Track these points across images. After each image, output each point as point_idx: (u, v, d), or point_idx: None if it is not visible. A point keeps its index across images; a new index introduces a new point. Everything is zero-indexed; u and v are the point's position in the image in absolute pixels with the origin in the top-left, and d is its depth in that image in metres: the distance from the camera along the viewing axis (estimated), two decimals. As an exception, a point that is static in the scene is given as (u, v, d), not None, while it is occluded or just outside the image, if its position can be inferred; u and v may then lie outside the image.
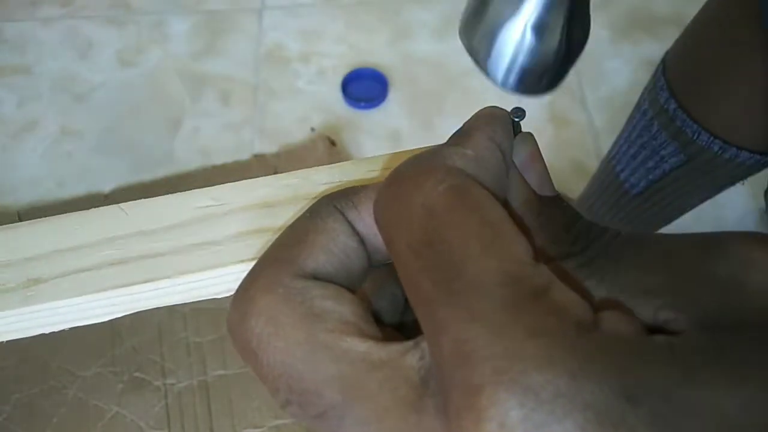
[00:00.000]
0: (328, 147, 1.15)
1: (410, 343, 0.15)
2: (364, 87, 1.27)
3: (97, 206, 0.21)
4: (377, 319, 0.18)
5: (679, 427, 0.12)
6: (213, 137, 1.22)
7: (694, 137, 0.62)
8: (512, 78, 0.17)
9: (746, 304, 0.13)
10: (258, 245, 0.20)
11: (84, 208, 0.21)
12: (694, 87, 0.62)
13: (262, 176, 0.21)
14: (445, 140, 0.18)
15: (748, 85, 0.57)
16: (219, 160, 1.16)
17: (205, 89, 1.28)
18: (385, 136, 1.22)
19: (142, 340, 0.65)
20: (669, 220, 0.82)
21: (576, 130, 1.21)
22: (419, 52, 1.33)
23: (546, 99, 1.23)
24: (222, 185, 0.21)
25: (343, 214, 0.17)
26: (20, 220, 0.21)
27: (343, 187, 0.20)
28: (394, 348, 0.15)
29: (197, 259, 0.20)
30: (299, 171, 0.21)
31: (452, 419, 0.13)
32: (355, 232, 0.17)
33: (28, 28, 1.38)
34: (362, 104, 1.25)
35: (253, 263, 0.17)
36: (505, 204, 0.18)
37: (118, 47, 1.35)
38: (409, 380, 0.14)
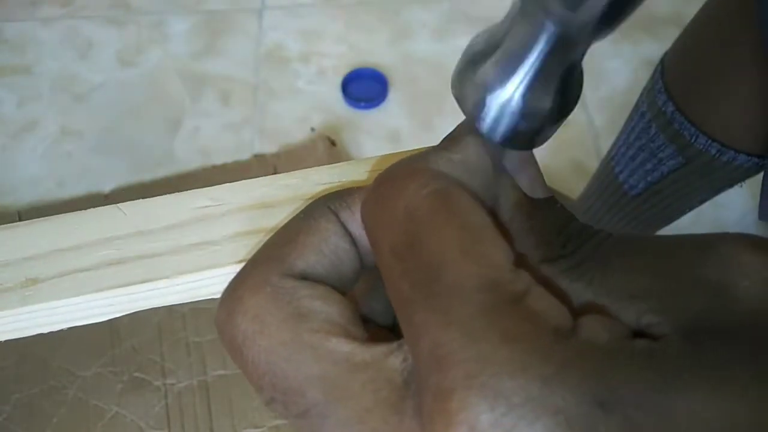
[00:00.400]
0: (328, 147, 1.15)
1: (394, 344, 0.15)
2: (364, 87, 1.27)
3: (97, 206, 0.21)
4: (370, 320, 0.18)
5: None
6: (213, 137, 1.22)
7: (692, 140, 0.62)
8: (498, 136, 0.17)
9: (732, 308, 0.13)
10: (256, 246, 0.20)
11: (84, 208, 0.21)
12: (692, 89, 0.62)
13: (261, 176, 0.21)
14: (443, 141, 0.18)
15: (745, 88, 0.57)
16: (219, 160, 1.16)
17: (205, 89, 1.28)
18: (385, 136, 1.22)
19: (142, 340, 0.65)
20: (668, 221, 0.82)
21: (576, 130, 1.21)
22: (419, 52, 1.33)
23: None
24: (220, 185, 0.21)
25: (336, 215, 0.17)
26: (20, 219, 0.21)
27: (341, 188, 0.20)
28: (379, 349, 0.15)
29: (195, 259, 0.20)
30: (298, 171, 0.21)
31: (425, 422, 0.13)
32: (348, 233, 0.17)
33: (28, 28, 1.38)
34: (362, 104, 1.25)
35: None
36: (494, 209, 0.18)
37: (118, 47, 1.35)
38: (392, 382, 0.14)
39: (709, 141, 0.61)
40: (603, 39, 0.15)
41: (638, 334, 0.14)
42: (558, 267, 0.16)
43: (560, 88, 0.16)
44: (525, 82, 0.16)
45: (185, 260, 0.20)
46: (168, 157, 1.19)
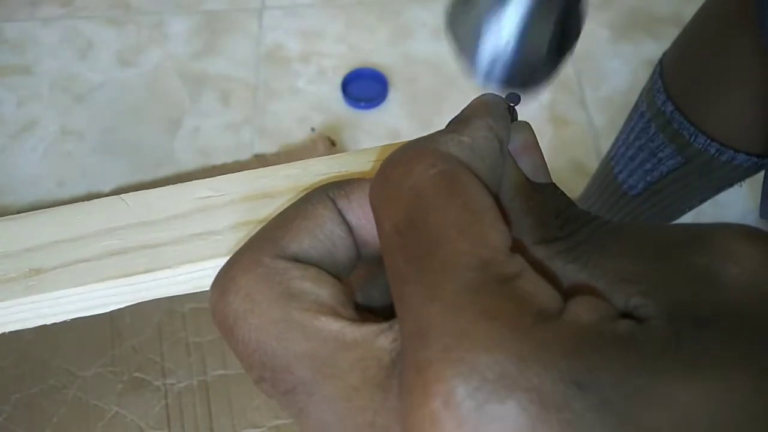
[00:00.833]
0: (328, 147, 1.15)
1: (385, 324, 0.15)
2: (364, 87, 1.27)
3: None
4: (367, 307, 0.18)
5: (628, 414, 0.12)
6: (213, 137, 1.22)
7: (691, 140, 0.63)
8: (496, 75, 0.17)
9: (719, 296, 0.13)
10: None
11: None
12: (691, 89, 0.62)
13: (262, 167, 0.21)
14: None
15: (745, 87, 0.57)
16: (219, 160, 1.17)
17: (205, 89, 1.28)
18: (385, 135, 1.22)
19: (142, 340, 0.65)
20: (668, 221, 0.82)
21: (576, 130, 1.21)
22: (419, 52, 1.33)
23: (546, 99, 1.23)
24: (222, 176, 0.21)
25: (333, 202, 0.18)
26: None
27: (341, 178, 0.20)
28: (369, 329, 0.15)
29: (197, 248, 0.20)
30: (298, 162, 0.21)
31: (404, 394, 0.13)
32: (344, 221, 0.18)
33: (28, 28, 1.38)
34: (362, 104, 1.25)
35: None
36: (498, 193, 0.18)
37: (118, 47, 1.35)
38: (380, 361, 0.14)
39: (709, 140, 0.61)
40: None
41: (627, 316, 0.14)
42: (554, 248, 0.16)
43: (553, 28, 0.16)
44: (516, 19, 0.16)
45: (187, 250, 0.20)
46: (168, 157, 1.19)
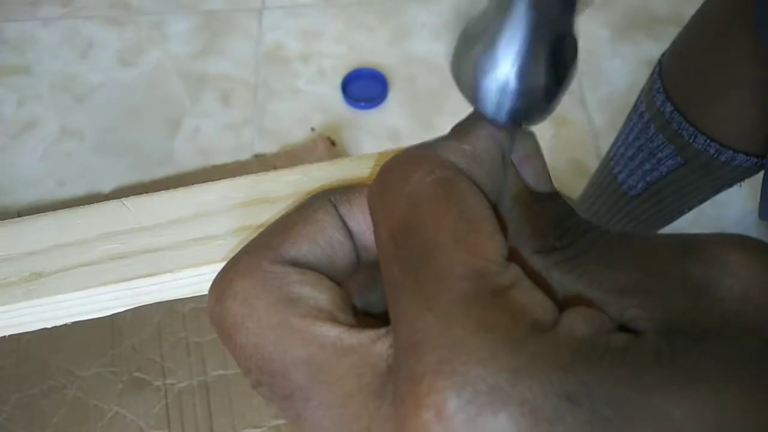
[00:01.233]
0: (328, 147, 1.15)
1: (382, 330, 0.15)
2: (364, 87, 1.27)
3: (99, 204, 0.21)
4: (365, 312, 0.18)
5: (621, 429, 0.12)
6: (213, 137, 1.22)
7: (691, 140, 0.63)
8: (502, 116, 0.17)
9: (714, 308, 0.13)
10: None
11: (84, 209, 0.21)
12: (691, 89, 0.62)
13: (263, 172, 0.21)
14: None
15: (744, 87, 0.57)
16: (219, 160, 1.17)
17: (205, 89, 1.28)
18: (385, 135, 1.22)
19: (142, 339, 0.65)
20: (668, 221, 0.82)
21: (576, 130, 1.21)
22: (419, 52, 1.33)
23: (546, 99, 1.23)
24: (223, 181, 0.21)
25: (335, 208, 0.18)
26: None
27: (342, 183, 0.20)
28: (366, 335, 0.15)
29: (198, 253, 0.20)
30: (299, 167, 0.21)
31: (397, 404, 0.13)
32: (345, 227, 0.18)
33: (28, 28, 1.38)
34: (362, 104, 1.25)
35: None
36: (498, 200, 0.18)
37: (118, 47, 1.35)
38: (376, 367, 0.14)
39: (708, 141, 0.61)
40: (583, 11, 0.15)
41: (622, 328, 0.14)
42: (551, 259, 0.16)
43: (553, 62, 0.16)
44: (516, 62, 0.16)
45: (188, 254, 0.20)
46: (168, 157, 1.19)
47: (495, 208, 0.17)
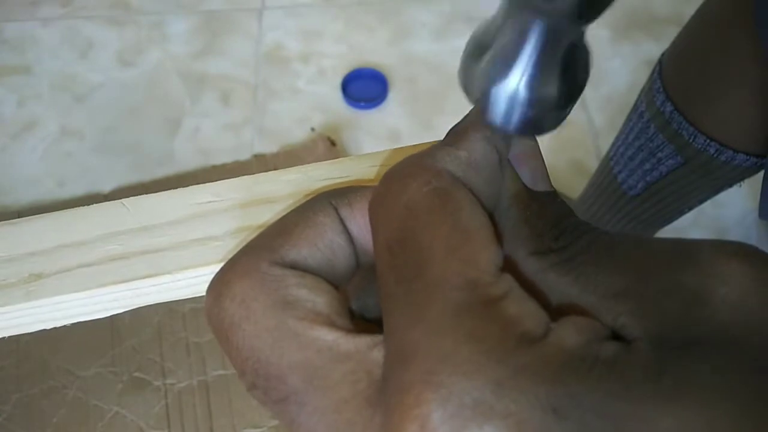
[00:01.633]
0: (328, 147, 1.15)
1: (379, 337, 0.15)
2: (364, 87, 1.27)
3: (98, 204, 0.21)
4: (362, 315, 0.18)
5: None
6: (213, 137, 1.22)
7: (691, 139, 0.63)
8: (512, 127, 0.17)
9: (706, 317, 0.13)
10: None
11: (84, 209, 0.21)
12: (691, 89, 0.62)
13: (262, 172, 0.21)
14: (445, 141, 0.18)
15: (744, 87, 0.57)
16: (219, 160, 1.16)
17: (205, 89, 1.28)
18: (385, 135, 1.22)
19: (142, 340, 0.65)
20: (668, 221, 0.82)
21: (576, 130, 1.21)
22: (419, 52, 1.33)
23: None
24: (222, 181, 0.21)
25: (336, 210, 0.17)
26: (21, 218, 0.22)
27: (342, 183, 0.20)
28: (363, 341, 0.15)
29: (198, 254, 0.20)
30: (299, 167, 0.21)
31: (385, 414, 0.13)
32: (345, 230, 0.17)
33: (28, 28, 1.38)
34: (362, 104, 1.25)
35: None
36: (497, 205, 0.18)
37: (118, 47, 1.35)
38: (372, 374, 0.14)
39: (708, 140, 0.61)
40: (592, 22, 0.15)
41: (616, 334, 0.14)
42: (548, 261, 0.16)
43: (563, 72, 0.16)
44: (526, 72, 0.16)
45: (188, 255, 0.20)
46: (168, 157, 1.19)
47: (491, 216, 0.17)
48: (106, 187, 1.13)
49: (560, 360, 0.12)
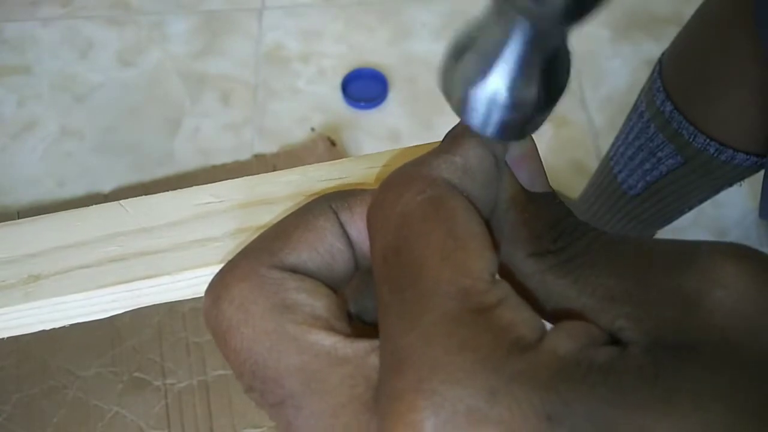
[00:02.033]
0: (328, 147, 1.15)
1: (377, 342, 0.15)
2: (364, 87, 1.27)
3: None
4: (360, 318, 0.18)
5: None
6: (213, 137, 1.22)
7: (691, 139, 0.63)
8: (490, 130, 0.17)
9: (703, 321, 0.13)
10: None
11: (84, 208, 0.21)
12: (691, 89, 0.62)
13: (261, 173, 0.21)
14: (444, 141, 0.18)
15: (744, 87, 0.57)
16: (219, 160, 1.16)
17: (205, 89, 1.28)
18: (385, 136, 1.22)
19: (142, 340, 0.65)
20: (668, 221, 0.82)
21: (576, 130, 1.21)
22: (419, 52, 1.33)
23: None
24: (221, 182, 0.21)
25: (336, 215, 0.17)
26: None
27: (342, 184, 0.20)
28: (361, 346, 0.15)
29: (197, 255, 0.20)
30: (299, 168, 0.21)
31: (380, 422, 0.13)
32: (345, 234, 0.17)
33: (28, 28, 1.38)
34: (362, 104, 1.25)
35: None
36: (494, 207, 0.18)
37: (118, 47, 1.35)
38: (369, 379, 0.14)
39: (708, 140, 0.61)
40: (578, 25, 0.15)
41: (612, 337, 0.14)
42: (546, 262, 0.16)
43: (545, 75, 0.16)
44: (507, 74, 0.16)
45: (187, 256, 0.20)
46: (168, 157, 1.19)
47: (488, 223, 0.17)
48: (106, 187, 1.13)
49: (554, 367, 0.12)
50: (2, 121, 1.25)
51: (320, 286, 0.16)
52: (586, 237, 0.16)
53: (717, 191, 0.71)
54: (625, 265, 0.15)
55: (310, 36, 1.36)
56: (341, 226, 0.17)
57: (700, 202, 0.74)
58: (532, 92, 0.16)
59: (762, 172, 0.57)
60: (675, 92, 0.64)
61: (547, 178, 0.18)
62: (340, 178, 0.21)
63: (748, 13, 0.52)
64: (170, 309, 0.68)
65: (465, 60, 0.16)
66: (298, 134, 1.21)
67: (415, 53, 1.33)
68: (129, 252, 0.20)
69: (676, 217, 0.80)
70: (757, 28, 0.51)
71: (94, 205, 0.21)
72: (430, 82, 1.28)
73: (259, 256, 0.16)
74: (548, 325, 0.14)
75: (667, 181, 0.70)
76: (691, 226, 1.08)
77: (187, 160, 1.18)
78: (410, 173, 0.16)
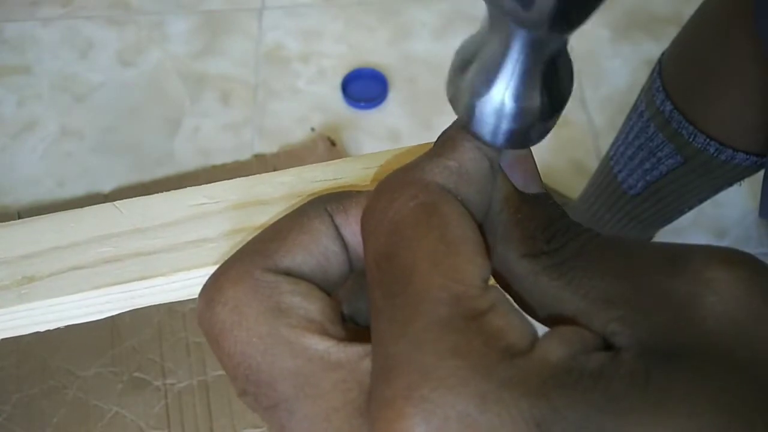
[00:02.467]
0: (328, 147, 1.15)
1: (370, 347, 0.15)
2: (364, 87, 1.27)
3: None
4: (354, 320, 0.18)
5: None
6: (213, 137, 1.22)
7: (690, 139, 0.63)
8: (500, 140, 0.17)
9: (695, 326, 0.13)
10: None
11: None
12: (690, 89, 0.62)
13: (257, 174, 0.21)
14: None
15: (743, 86, 0.57)
16: (219, 160, 1.17)
17: (205, 89, 1.28)
18: (385, 136, 1.22)
19: (142, 340, 0.65)
20: (668, 221, 0.82)
21: (576, 130, 1.21)
22: (419, 52, 1.33)
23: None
24: (216, 183, 0.21)
25: (331, 217, 0.17)
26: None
27: (337, 185, 0.20)
28: (354, 350, 0.15)
29: (192, 256, 0.20)
30: (294, 168, 0.21)
31: (370, 428, 0.13)
32: (340, 237, 0.17)
33: (28, 28, 1.38)
34: (362, 104, 1.25)
35: None
36: (488, 209, 0.18)
37: (118, 47, 1.35)
38: (362, 384, 0.14)
39: (708, 140, 0.61)
40: (573, 32, 0.15)
41: (605, 341, 0.14)
42: (540, 264, 0.16)
43: (547, 83, 0.16)
44: (510, 84, 0.16)
45: (182, 257, 0.20)
46: (168, 157, 1.19)
47: (481, 227, 0.16)
48: (106, 187, 1.13)
49: (545, 373, 0.12)
50: (2, 121, 1.25)
51: (314, 289, 0.16)
52: (580, 238, 0.16)
53: (717, 191, 0.71)
54: (618, 268, 0.15)
55: (310, 36, 1.36)
56: (336, 228, 0.17)
57: (700, 201, 0.74)
58: (536, 100, 0.16)
59: (762, 172, 0.56)
60: (675, 92, 0.64)
61: (540, 179, 0.18)
62: (336, 179, 0.21)
63: (748, 13, 0.52)
64: (170, 309, 0.68)
65: (469, 72, 0.17)
66: (298, 134, 1.21)
67: (415, 53, 1.33)
68: (123, 253, 0.20)
69: (676, 217, 0.80)
70: (757, 28, 0.50)
71: (87, 207, 0.21)
72: (430, 82, 1.28)
73: (253, 259, 0.16)
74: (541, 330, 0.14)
75: (667, 181, 0.70)
76: (691, 226, 1.08)
77: (187, 160, 1.18)
78: (403, 178, 0.16)
